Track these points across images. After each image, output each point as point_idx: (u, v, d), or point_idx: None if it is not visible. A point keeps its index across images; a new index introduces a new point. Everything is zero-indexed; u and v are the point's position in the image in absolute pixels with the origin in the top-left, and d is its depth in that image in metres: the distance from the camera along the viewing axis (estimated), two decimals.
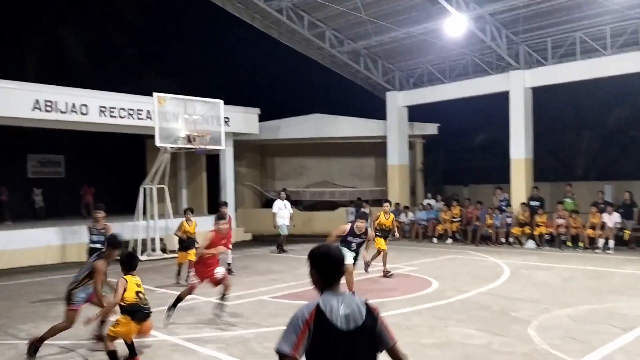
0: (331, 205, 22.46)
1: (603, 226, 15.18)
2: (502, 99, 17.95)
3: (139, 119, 16.18)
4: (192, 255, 11.26)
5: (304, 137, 22.03)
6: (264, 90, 26.31)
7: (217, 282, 8.02)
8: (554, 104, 20.25)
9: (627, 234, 15.18)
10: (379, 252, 12.07)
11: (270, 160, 24.83)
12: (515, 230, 16.82)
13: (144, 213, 15.69)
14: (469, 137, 25.30)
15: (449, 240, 18.28)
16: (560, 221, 15.94)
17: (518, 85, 17.48)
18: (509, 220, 17.09)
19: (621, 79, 16.31)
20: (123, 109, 15.89)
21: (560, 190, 17.87)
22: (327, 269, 2.86)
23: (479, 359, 6.13)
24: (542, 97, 17.91)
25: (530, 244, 16.28)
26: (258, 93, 24.35)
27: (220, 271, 8.02)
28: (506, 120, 17.88)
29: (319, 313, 2.68)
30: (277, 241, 16.49)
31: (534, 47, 17.31)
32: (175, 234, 11.97)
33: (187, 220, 11.84)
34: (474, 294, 9.66)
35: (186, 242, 11.62)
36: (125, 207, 17.93)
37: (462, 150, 25.64)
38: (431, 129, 22.42)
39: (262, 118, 20.20)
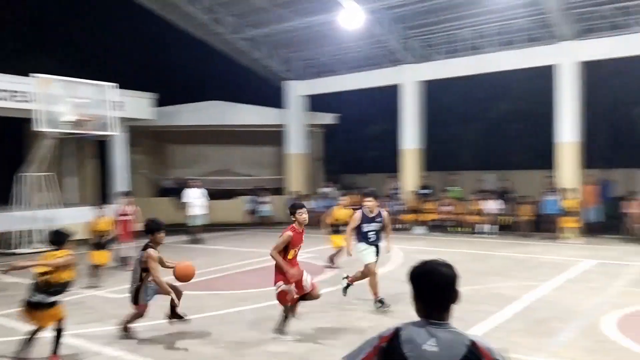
0: (230, 194, 22.24)
1: (485, 212, 16.37)
2: (397, 91, 18.69)
3: (18, 101, 14.95)
4: (104, 256, 10.13)
5: (203, 124, 21.59)
6: (162, 75, 25.35)
7: (301, 290, 6.60)
8: (443, 97, 21.39)
9: (505, 219, 16.46)
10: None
11: (167, 148, 24.04)
12: (406, 217, 17.66)
13: (25, 203, 14.62)
14: (366, 127, 26.10)
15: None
16: (447, 208, 16.98)
17: (410, 79, 18.30)
18: (400, 207, 17.89)
19: (503, 75, 17.54)
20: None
21: (447, 179, 18.98)
22: (426, 293, 2.28)
23: None
24: (432, 90, 18.85)
25: (420, 229, 17.17)
26: (155, 78, 23.42)
27: (309, 278, 6.64)
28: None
29: (393, 340, 2.22)
30: (189, 231, 15.94)
31: (426, 41, 18.13)
32: (90, 232, 10.39)
33: (99, 215, 10.44)
34: (367, 279, 10.01)
35: (99, 241, 10.19)
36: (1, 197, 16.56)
37: (359, 140, 26.42)
38: (330, 118, 22.83)
39: (160, 103, 19.49)
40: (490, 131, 23.57)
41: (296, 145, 21.35)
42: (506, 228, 16.36)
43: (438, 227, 17.09)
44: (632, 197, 15.06)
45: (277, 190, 21.68)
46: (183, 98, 21.49)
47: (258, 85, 23.06)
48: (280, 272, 6.42)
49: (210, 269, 11.28)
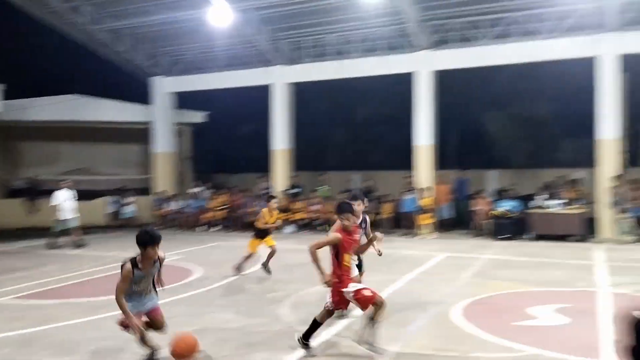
0: (91, 195, 20.88)
1: None
2: (267, 91, 18.83)
3: None
4: None
5: (59, 120, 20.06)
6: (12, 65, 23.09)
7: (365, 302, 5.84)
8: (312, 99, 21.93)
9: (369, 217, 17.27)
10: (271, 253, 10.55)
11: (17, 145, 21.96)
12: None
13: None
14: (237, 126, 25.96)
15: (216, 228, 18.57)
16: (316, 207, 17.47)
17: (279, 80, 18.55)
18: None
19: (367, 80, 18.40)
20: None
21: (315, 179, 19.53)
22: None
23: (233, 341, 6.39)
24: (301, 91, 19.26)
25: (290, 228, 17.46)
26: (4, 68, 21.27)
27: (360, 286, 5.85)
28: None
29: None
30: (55, 235, 14.52)
31: (295, 44, 18.46)
32: None
33: None
34: (236, 279, 10.03)
35: None
36: None
37: (230, 140, 26.21)
38: (200, 117, 22.37)
39: (9, 96, 17.74)
40: (355, 133, 24.62)
41: (163, 143, 20.65)
42: (370, 225, 17.15)
43: (307, 225, 17.50)
44: (479, 196, 16.61)
45: (143, 191, 20.79)
46: (37, 91, 19.78)
47: (123, 80, 21.92)
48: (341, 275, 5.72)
49: (65, 276, 10.55)
